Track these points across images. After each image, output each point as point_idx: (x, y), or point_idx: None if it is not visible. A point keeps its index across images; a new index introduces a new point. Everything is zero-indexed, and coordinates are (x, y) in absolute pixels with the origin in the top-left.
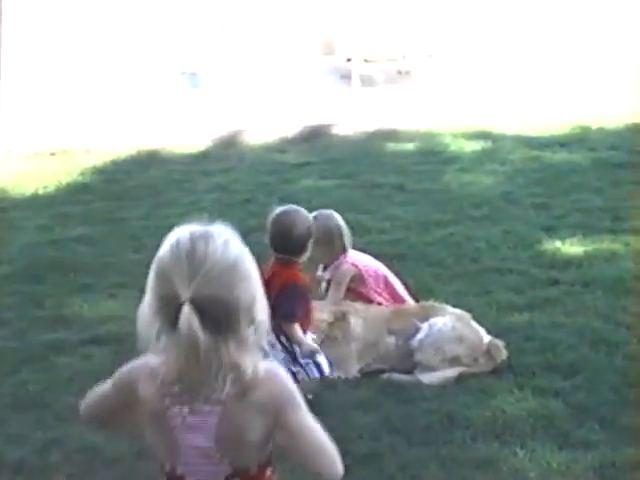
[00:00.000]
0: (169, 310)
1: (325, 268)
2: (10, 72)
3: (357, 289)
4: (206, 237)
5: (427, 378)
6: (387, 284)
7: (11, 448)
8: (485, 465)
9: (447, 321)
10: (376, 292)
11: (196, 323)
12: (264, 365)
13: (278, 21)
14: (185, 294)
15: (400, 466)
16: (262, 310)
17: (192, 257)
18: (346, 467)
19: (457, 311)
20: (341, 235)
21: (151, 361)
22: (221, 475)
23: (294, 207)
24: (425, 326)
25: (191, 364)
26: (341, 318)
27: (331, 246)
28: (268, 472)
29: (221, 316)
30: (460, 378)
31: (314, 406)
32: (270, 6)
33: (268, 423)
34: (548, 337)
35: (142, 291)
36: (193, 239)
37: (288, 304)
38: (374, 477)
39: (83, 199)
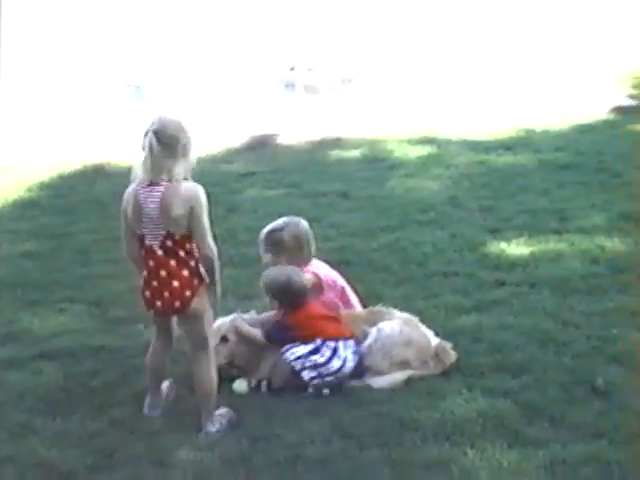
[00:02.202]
0: (144, 139)
1: None
2: None
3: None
4: (165, 114)
5: (376, 382)
6: (343, 295)
7: None
8: (436, 466)
9: (395, 325)
10: (332, 302)
11: (154, 138)
12: (193, 183)
13: (221, 31)
14: (151, 129)
15: (352, 470)
16: (191, 152)
17: (157, 119)
18: (298, 473)
19: (405, 315)
20: (309, 243)
21: (132, 185)
22: (161, 236)
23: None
24: (373, 331)
25: (149, 163)
26: None
27: (300, 253)
28: (188, 245)
29: (167, 142)
30: (409, 381)
31: (261, 417)
32: (213, 16)
33: (185, 209)
34: (496, 338)
35: (91, 305)
36: (159, 116)
37: None
38: None
39: (30, 214)
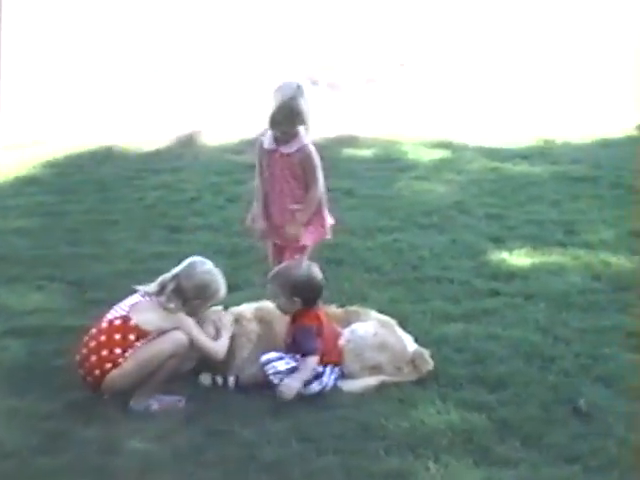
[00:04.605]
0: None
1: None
2: None
3: None
4: (195, 262)
5: (347, 386)
6: None
7: None
8: (394, 478)
9: (369, 327)
10: None
11: (171, 285)
12: (178, 319)
13: (247, 25)
14: (177, 271)
15: (305, 475)
16: (202, 298)
17: (187, 264)
18: (249, 473)
19: (382, 317)
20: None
21: None
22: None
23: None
24: (346, 332)
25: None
26: (265, 324)
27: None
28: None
29: (181, 289)
30: (381, 387)
31: (220, 412)
32: (240, 11)
33: (158, 327)
34: (480, 349)
35: (71, 284)
36: (190, 261)
37: None
38: None
39: (28, 191)
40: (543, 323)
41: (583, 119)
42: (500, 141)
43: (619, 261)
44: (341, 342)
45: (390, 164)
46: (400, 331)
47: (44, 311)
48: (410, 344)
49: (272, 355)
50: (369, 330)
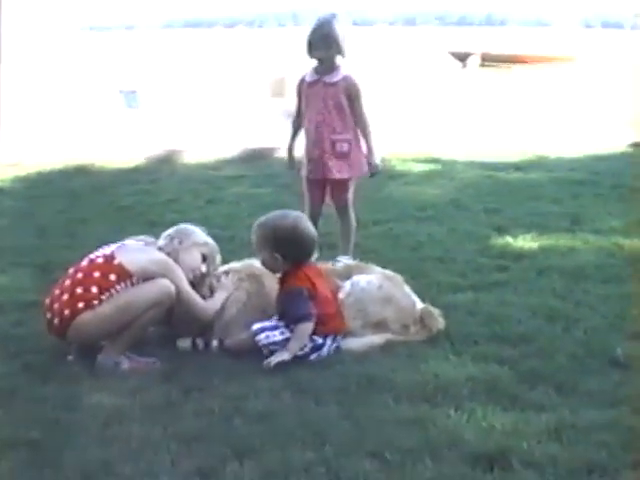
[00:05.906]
0: None
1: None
2: None
3: None
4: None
5: (347, 344)
6: None
7: None
8: (410, 424)
9: (373, 279)
10: None
11: None
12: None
13: (230, 63)
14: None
15: (303, 424)
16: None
17: None
18: (235, 426)
19: (387, 271)
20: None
21: None
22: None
23: None
24: (347, 284)
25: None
26: (255, 280)
27: None
28: (113, 276)
29: None
30: (386, 345)
31: (200, 370)
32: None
33: (150, 269)
34: (495, 312)
35: (37, 268)
36: None
37: None
38: (267, 433)
39: None
40: (561, 291)
41: (574, 138)
42: (490, 156)
43: (633, 244)
44: (340, 295)
45: (378, 174)
46: (408, 288)
47: (5, 289)
48: (418, 302)
49: (266, 324)
50: (373, 282)
